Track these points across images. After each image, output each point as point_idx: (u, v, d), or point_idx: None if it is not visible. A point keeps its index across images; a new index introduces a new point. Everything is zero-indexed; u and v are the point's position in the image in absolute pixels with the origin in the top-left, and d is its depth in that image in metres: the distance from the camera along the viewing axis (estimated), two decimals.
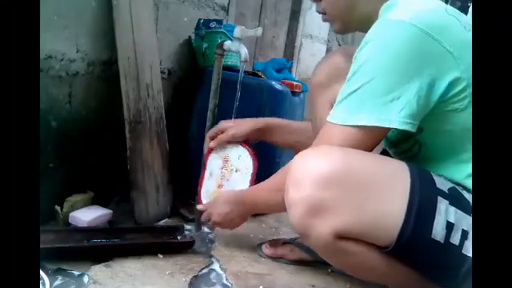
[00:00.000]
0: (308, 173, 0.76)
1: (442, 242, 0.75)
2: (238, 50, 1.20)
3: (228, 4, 1.83)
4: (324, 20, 0.95)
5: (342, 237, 0.76)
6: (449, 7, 0.83)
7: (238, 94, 1.21)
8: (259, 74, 1.57)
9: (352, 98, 0.78)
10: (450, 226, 0.75)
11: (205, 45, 1.49)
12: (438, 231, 0.75)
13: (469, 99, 0.77)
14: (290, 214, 0.79)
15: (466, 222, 0.76)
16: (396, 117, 0.75)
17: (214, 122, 1.25)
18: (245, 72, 1.28)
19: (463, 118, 0.78)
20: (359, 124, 0.77)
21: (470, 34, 0.78)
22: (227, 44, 1.22)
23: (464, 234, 0.76)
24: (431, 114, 0.78)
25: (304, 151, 0.80)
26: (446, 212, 0.76)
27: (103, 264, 0.98)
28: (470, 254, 0.74)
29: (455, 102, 0.78)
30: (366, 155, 0.80)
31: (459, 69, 0.76)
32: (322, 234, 0.76)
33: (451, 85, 0.76)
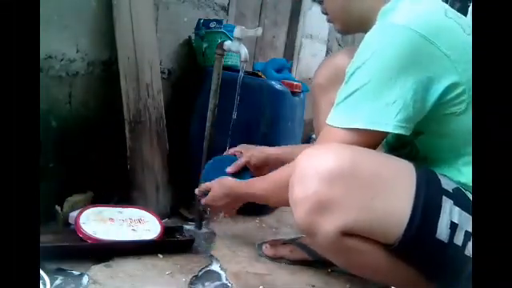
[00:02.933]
0: (314, 170, 0.76)
1: (446, 241, 0.75)
2: (238, 50, 1.20)
3: (228, 4, 1.83)
4: (327, 20, 0.97)
5: (347, 234, 0.76)
6: (449, 9, 0.83)
7: (238, 94, 1.21)
8: (259, 74, 1.57)
9: (349, 100, 0.78)
10: (453, 227, 0.75)
11: (205, 45, 1.49)
12: (443, 231, 0.75)
13: (467, 103, 0.77)
14: (296, 211, 0.78)
15: (469, 223, 0.76)
16: (391, 121, 0.76)
17: (214, 122, 1.25)
18: (245, 72, 1.28)
19: (461, 121, 0.78)
20: (356, 127, 0.77)
21: (469, 38, 0.78)
22: (227, 44, 1.22)
23: (467, 235, 0.76)
24: (429, 117, 0.79)
25: (309, 149, 0.80)
26: (450, 212, 0.76)
27: (103, 264, 0.98)
28: None
29: (453, 106, 0.78)
30: (372, 153, 0.80)
31: (456, 72, 0.76)
32: (328, 232, 0.76)
33: (448, 88, 0.77)
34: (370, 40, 0.78)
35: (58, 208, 1.12)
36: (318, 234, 0.78)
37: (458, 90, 0.76)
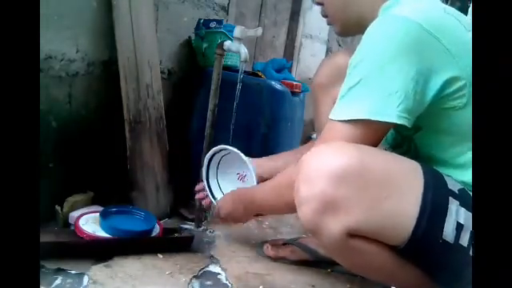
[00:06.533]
0: (321, 169, 0.75)
1: (452, 242, 0.75)
2: (237, 50, 1.20)
3: (228, 4, 1.83)
4: (327, 23, 0.97)
5: (352, 235, 0.76)
6: (447, 7, 0.83)
7: (238, 94, 1.21)
8: (259, 73, 1.57)
9: (351, 93, 0.78)
10: (459, 228, 0.75)
11: (205, 45, 1.49)
12: (449, 232, 0.75)
13: (468, 98, 0.77)
14: (301, 210, 0.77)
15: None
16: (393, 111, 0.74)
17: (214, 122, 1.25)
18: (245, 72, 1.28)
19: (462, 116, 0.78)
20: (358, 118, 0.76)
21: (469, 34, 0.78)
22: (227, 44, 1.22)
23: (472, 236, 0.75)
24: (429, 111, 0.78)
25: (316, 148, 0.79)
26: (456, 213, 0.76)
27: (103, 264, 0.98)
28: None
29: (453, 100, 0.78)
30: (379, 153, 0.80)
31: (457, 67, 0.76)
32: (334, 232, 0.75)
33: (448, 82, 0.76)
34: (372, 31, 0.78)
35: (58, 208, 1.12)
36: (323, 234, 0.77)
37: (459, 84, 0.76)
